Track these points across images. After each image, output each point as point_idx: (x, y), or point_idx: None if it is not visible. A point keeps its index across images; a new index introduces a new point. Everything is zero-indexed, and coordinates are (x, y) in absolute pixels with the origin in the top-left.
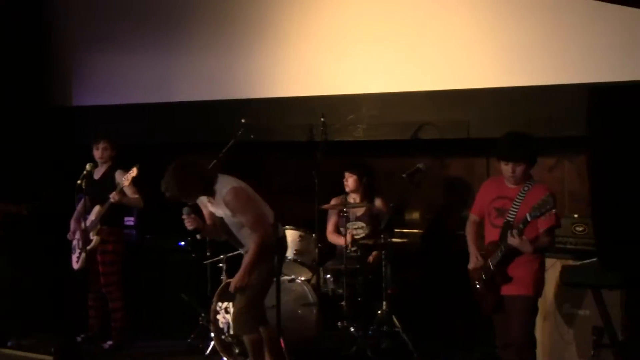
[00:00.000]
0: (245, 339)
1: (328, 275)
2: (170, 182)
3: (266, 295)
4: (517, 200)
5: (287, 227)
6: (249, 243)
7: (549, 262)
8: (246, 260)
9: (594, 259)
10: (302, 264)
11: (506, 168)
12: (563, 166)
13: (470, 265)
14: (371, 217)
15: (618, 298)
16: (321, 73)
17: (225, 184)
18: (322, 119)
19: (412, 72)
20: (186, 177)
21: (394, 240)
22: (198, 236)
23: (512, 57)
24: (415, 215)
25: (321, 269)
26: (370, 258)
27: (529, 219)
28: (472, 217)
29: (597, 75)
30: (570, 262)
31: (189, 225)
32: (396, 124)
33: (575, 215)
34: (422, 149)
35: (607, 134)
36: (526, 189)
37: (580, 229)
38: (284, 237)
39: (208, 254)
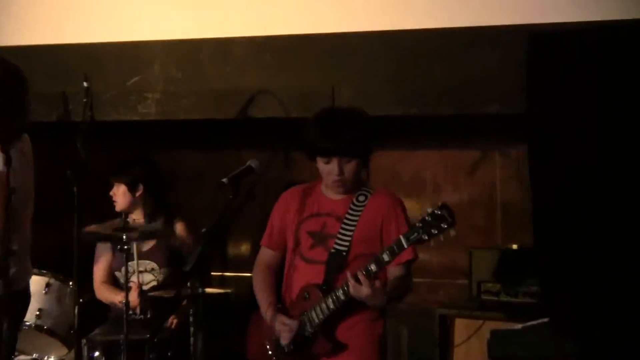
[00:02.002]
0: None
1: (96, 353)
2: None
3: None
4: (351, 217)
5: None
6: None
7: (472, 324)
8: None
9: (544, 319)
10: (52, 333)
11: (327, 168)
12: (492, 163)
13: (276, 324)
14: (169, 253)
15: None
16: (82, 8)
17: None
18: (85, 84)
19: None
20: None
21: (209, 290)
22: None
23: None
24: (245, 247)
25: (84, 340)
26: (171, 321)
27: (405, 245)
28: (265, 252)
29: (534, 14)
30: (506, 325)
31: None
32: (209, 92)
33: (514, 247)
34: (256, 136)
35: (558, 106)
36: (362, 198)
37: (522, 268)
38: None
39: None
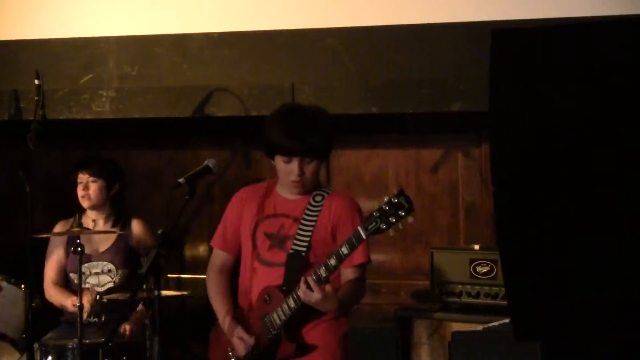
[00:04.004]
0: None
1: (49, 358)
2: None
3: None
4: (309, 217)
5: None
6: None
7: (433, 325)
8: None
9: (505, 320)
10: (3, 336)
11: (287, 167)
12: (455, 162)
13: (231, 335)
14: (125, 253)
15: None
16: (34, 3)
17: None
18: (36, 82)
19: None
20: None
21: (166, 293)
22: None
23: None
24: (202, 249)
25: (36, 345)
26: (127, 326)
27: (363, 236)
28: (218, 254)
29: (497, 11)
30: (467, 326)
31: None
32: (165, 90)
33: (476, 247)
34: (215, 134)
35: (521, 105)
36: (319, 199)
37: (485, 269)
38: None
39: None
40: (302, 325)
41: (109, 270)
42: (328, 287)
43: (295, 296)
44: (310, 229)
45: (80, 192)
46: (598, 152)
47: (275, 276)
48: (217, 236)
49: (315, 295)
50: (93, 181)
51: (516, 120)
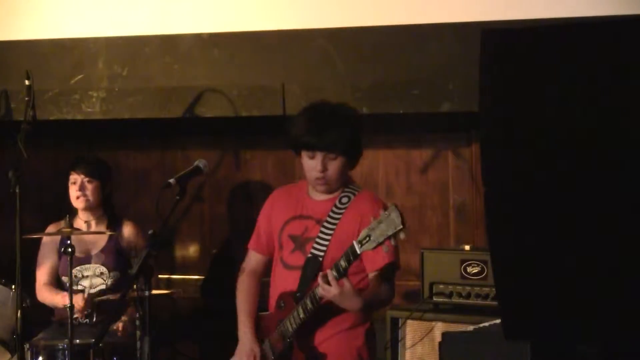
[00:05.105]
0: None
1: (40, 358)
2: None
3: None
4: (331, 219)
5: None
6: None
7: (424, 326)
8: None
9: (496, 321)
10: None
11: (311, 163)
12: (445, 163)
13: (242, 346)
14: (117, 256)
15: None
16: (24, 3)
17: None
18: (26, 82)
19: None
20: None
21: (156, 292)
22: None
23: None
24: (192, 249)
25: (27, 345)
26: (119, 325)
27: (358, 251)
28: (253, 256)
29: (488, 11)
30: (458, 327)
31: None
32: (155, 90)
33: (467, 247)
34: (204, 135)
35: (511, 105)
36: (345, 200)
37: (475, 270)
38: None
39: None
40: (315, 335)
41: (101, 273)
42: (347, 283)
43: (303, 306)
44: (331, 232)
45: (75, 192)
46: (588, 152)
47: (291, 280)
48: (252, 238)
49: (333, 290)
50: (89, 181)
51: (506, 120)
